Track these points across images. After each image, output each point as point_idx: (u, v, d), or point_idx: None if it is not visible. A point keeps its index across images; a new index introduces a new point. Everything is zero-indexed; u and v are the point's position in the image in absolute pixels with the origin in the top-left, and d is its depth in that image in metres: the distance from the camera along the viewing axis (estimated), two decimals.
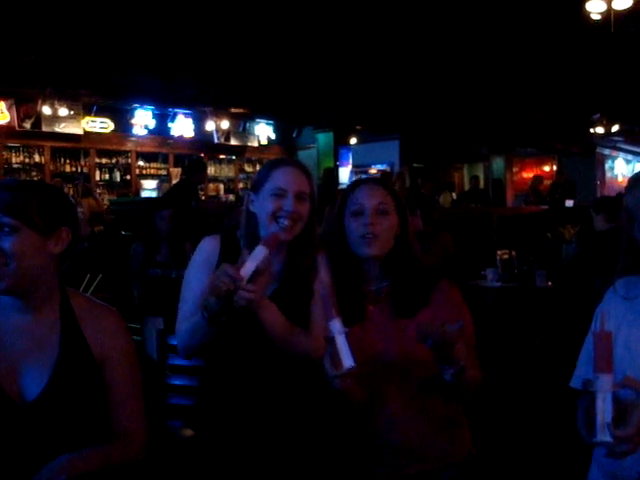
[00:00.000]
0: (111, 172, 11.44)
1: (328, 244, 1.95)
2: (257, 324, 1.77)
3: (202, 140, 12.24)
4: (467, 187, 14.46)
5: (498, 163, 14.18)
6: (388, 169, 13.06)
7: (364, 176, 13.56)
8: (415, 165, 14.25)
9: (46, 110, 9.95)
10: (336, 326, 1.64)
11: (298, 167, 1.89)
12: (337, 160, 12.71)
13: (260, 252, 1.64)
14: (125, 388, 1.61)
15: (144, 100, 10.75)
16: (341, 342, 1.62)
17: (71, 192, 9.99)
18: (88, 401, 1.55)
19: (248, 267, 1.62)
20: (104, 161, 11.30)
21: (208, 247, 1.89)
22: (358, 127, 12.62)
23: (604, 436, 1.33)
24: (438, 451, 1.87)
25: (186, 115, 11.87)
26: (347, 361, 1.60)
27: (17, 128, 9.95)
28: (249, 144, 13.23)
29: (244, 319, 1.76)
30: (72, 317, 1.58)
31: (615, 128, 11.95)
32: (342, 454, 1.86)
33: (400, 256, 1.92)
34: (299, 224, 1.82)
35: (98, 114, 10.91)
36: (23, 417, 1.48)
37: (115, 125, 11.20)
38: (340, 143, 12.75)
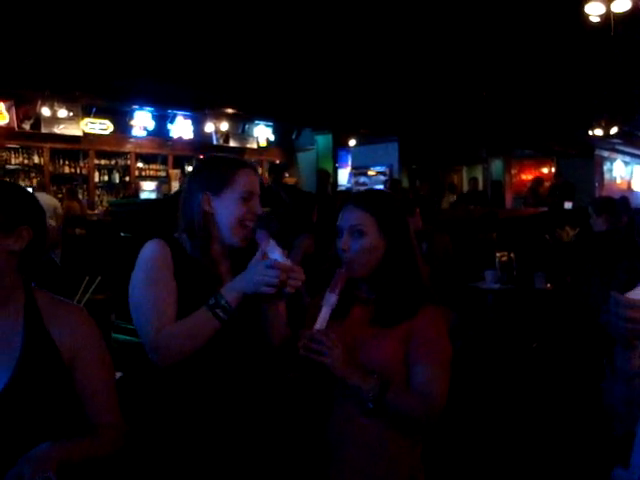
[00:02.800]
0: (110, 173, 11.44)
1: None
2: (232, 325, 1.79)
3: (201, 142, 12.25)
4: (466, 189, 14.47)
5: (497, 165, 14.20)
6: (387, 171, 13.07)
7: (363, 178, 13.64)
8: (414, 167, 14.26)
9: (45, 111, 9.97)
10: (331, 299, 1.77)
11: (254, 168, 1.94)
12: (336, 162, 12.75)
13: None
14: (96, 381, 1.62)
15: (143, 102, 10.76)
16: (325, 312, 1.75)
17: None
18: (55, 397, 1.56)
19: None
20: (103, 162, 11.30)
21: (162, 251, 1.82)
22: (358, 129, 12.63)
23: None
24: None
25: (185, 117, 11.88)
26: (318, 325, 1.74)
27: (16, 129, 9.95)
28: (248, 146, 13.24)
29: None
30: (37, 315, 1.58)
31: (614, 130, 11.97)
32: (295, 458, 1.87)
33: (385, 276, 1.85)
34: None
35: (97, 115, 10.91)
36: None
37: (114, 126, 11.20)
38: (339, 145, 12.79)
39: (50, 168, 10.47)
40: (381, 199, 1.93)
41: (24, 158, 10.29)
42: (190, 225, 1.87)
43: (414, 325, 1.80)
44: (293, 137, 13.99)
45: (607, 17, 5.59)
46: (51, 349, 1.57)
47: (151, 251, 1.83)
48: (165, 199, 8.24)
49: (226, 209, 1.84)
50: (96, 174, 11.17)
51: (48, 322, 1.59)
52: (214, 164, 1.92)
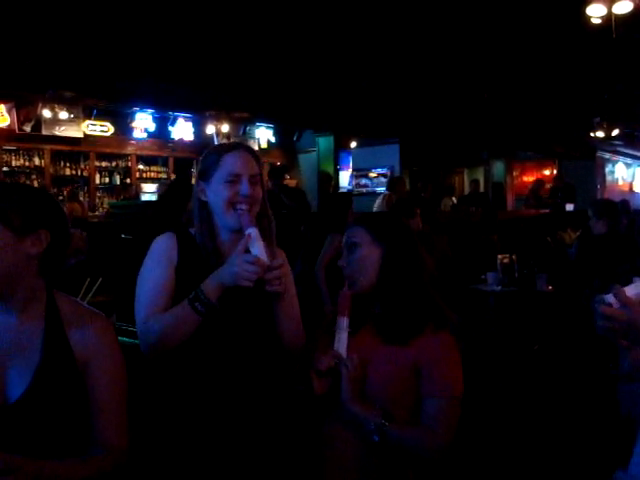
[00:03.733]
0: (111, 175, 11.45)
1: None
2: (227, 321, 1.79)
3: (202, 143, 12.15)
4: (467, 191, 14.46)
5: (498, 167, 14.19)
6: (388, 173, 13.07)
7: (364, 180, 13.65)
8: (415, 169, 14.27)
9: (46, 113, 9.96)
10: (342, 323, 1.81)
11: (246, 150, 1.92)
12: (337, 164, 12.71)
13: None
14: (106, 395, 1.58)
15: (144, 103, 10.75)
16: (343, 337, 1.80)
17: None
18: (69, 406, 1.53)
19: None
20: (104, 164, 11.30)
21: (166, 244, 1.87)
22: (359, 131, 12.62)
23: None
24: None
25: (186, 119, 11.86)
26: (341, 351, 1.78)
27: (17, 131, 9.94)
28: None
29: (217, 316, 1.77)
30: (57, 320, 1.56)
31: (615, 132, 11.97)
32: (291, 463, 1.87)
33: (385, 285, 1.83)
34: (255, 207, 1.86)
35: (98, 117, 10.91)
36: (3, 419, 1.45)
37: (115, 128, 11.20)
38: (340, 147, 12.75)
39: (51, 170, 10.47)
40: (375, 214, 2.00)
41: (25, 160, 10.29)
42: (192, 217, 1.91)
43: (425, 349, 1.76)
44: (294, 139, 13.99)
45: (608, 19, 5.59)
46: (67, 354, 1.55)
47: (157, 243, 1.89)
48: (160, 199, 8.19)
49: (213, 193, 1.87)
50: (97, 176, 11.17)
51: (67, 326, 1.56)
52: (207, 154, 1.94)
